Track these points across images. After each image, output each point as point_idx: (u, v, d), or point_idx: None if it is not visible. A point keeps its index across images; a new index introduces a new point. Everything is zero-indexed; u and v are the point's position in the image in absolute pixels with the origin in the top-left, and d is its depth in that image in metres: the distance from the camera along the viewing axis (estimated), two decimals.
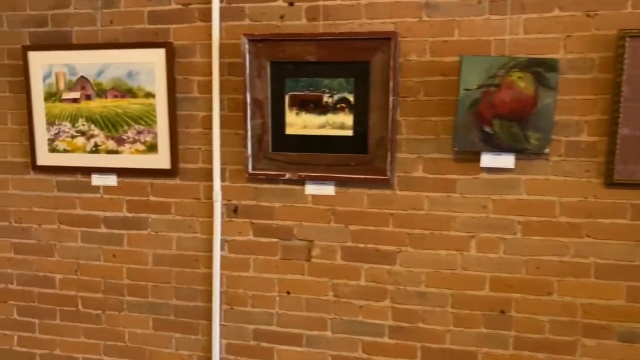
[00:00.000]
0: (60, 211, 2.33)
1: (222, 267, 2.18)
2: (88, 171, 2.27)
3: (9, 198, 2.38)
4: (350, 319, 2.09)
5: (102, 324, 2.34)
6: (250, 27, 2.06)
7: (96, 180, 2.27)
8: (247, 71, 2.01)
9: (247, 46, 2.00)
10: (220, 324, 2.20)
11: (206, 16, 2.09)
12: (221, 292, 2.19)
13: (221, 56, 2.09)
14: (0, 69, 2.32)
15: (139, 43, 2.14)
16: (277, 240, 2.13)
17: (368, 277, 2.06)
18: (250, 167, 2.08)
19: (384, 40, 1.89)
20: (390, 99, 1.91)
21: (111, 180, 2.26)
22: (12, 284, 2.41)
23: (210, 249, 2.19)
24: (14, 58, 2.29)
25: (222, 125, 2.12)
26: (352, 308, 2.09)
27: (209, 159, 2.15)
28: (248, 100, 2.04)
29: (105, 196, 2.28)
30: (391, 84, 1.90)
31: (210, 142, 2.14)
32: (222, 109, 2.12)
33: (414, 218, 2.00)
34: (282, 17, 2.03)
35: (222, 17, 2.08)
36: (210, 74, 2.11)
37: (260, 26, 2.05)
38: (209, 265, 2.19)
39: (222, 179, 2.15)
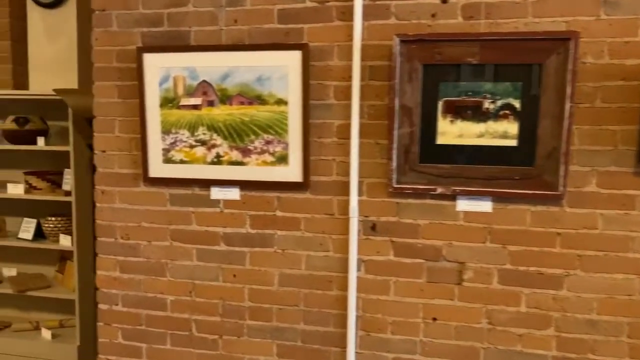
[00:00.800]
0: (173, 227, 2.17)
1: (359, 289, 2.02)
2: (207, 184, 2.12)
3: (115, 212, 2.22)
4: (507, 349, 1.92)
5: (219, 350, 2.17)
6: (397, 26, 1.89)
7: (216, 193, 2.11)
8: (397, 75, 1.85)
9: (398, 47, 1.83)
10: (355, 352, 2.03)
11: (346, 15, 1.93)
12: (357, 317, 2.03)
13: (362, 59, 1.93)
14: (107, 72, 2.17)
15: (271, 45, 1.98)
16: (422, 261, 1.96)
17: (530, 303, 1.89)
18: (394, 180, 1.91)
19: (561, 41, 1.72)
20: (567, 105, 1.74)
21: (233, 193, 2.10)
22: (117, 305, 2.26)
23: (344, 270, 2.02)
24: (124, 60, 2.14)
25: (361, 135, 1.96)
26: (510, 337, 1.92)
27: (344, 171, 1.99)
28: (396, 107, 1.87)
29: (225, 211, 2.12)
30: (568, 90, 1.73)
31: (345, 153, 1.98)
32: (361, 116, 1.95)
33: (585, 238, 1.82)
34: (433, 15, 1.87)
35: (365, 16, 1.92)
36: (348, 78, 1.95)
37: (409, 25, 1.89)
38: (343, 287, 2.03)
39: (360, 193, 1.98)
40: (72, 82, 3.30)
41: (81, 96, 2.69)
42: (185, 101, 2.08)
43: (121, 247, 2.23)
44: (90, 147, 2.87)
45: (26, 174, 3.17)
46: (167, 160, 2.13)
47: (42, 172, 3.17)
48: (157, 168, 2.14)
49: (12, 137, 3.07)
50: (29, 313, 3.52)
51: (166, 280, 2.20)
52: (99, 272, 2.27)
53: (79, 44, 3.29)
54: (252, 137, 2.04)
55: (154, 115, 2.11)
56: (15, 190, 3.09)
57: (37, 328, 3.26)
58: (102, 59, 2.18)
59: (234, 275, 2.14)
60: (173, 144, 2.11)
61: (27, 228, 3.17)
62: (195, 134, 2.09)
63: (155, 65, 2.08)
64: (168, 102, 2.09)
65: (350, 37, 1.94)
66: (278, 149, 2.03)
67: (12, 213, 3.41)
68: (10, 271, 3.43)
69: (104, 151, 2.22)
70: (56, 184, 3.20)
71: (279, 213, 2.08)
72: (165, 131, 2.11)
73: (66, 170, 3.15)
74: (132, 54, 2.13)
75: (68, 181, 3.09)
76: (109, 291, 2.27)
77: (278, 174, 2.04)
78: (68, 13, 3.29)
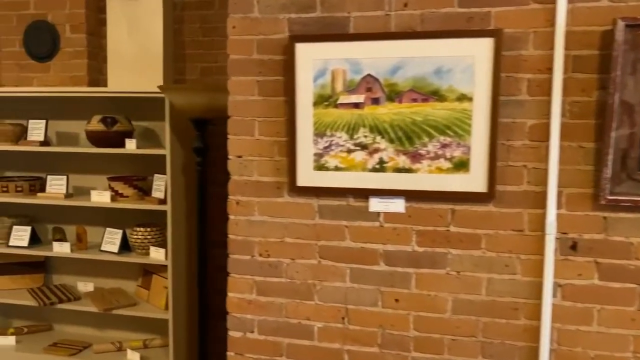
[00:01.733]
0: (322, 243, 1.93)
1: (554, 318, 1.76)
2: (365, 194, 1.87)
3: (253, 226, 1.98)
4: None
5: None
6: (611, 9, 1.63)
7: (376, 205, 1.86)
8: (619, 66, 1.59)
9: (622, 33, 1.58)
10: None
11: None
12: (551, 351, 1.77)
13: (565, 47, 1.67)
14: (246, 65, 1.93)
15: (455, 31, 1.73)
16: (634, 285, 1.70)
17: None
18: (607, 190, 1.66)
19: None
20: None
21: (397, 205, 1.85)
22: (252, 332, 2.02)
23: (535, 296, 1.77)
24: (267, 52, 1.90)
25: (561, 136, 1.71)
26: None
27: (538, 179, 1.74)
28: (615, 104, 1.61)
29: (386, 225, 1.87)
30: None
31: (539, 158, 1.73)
32: (562, 115, 1.70)
33: None
34: None
35: None
36: (546, 70, 1.70)
37: (625, 8, 1.63)
38: (534, 316, 1.77)
39: (558, 206, 1.73)
40: (156, 79, 3.07)
41: (188, 93, 2.45)
42: (344, 99, 1.83)
43: (259, 265, 1.99)
44: (197, 150, 2.65)
45: (110, 179, 2.94)
46: (319, 167, 1.88)
47: (129, 178, 2.94)
48: (307, 176, 1.90)
49: (98, 139, 2.83)
50: (104, 331, 3.29)
51: (313, 304, 1.95)
52: (230, 295, 2.03)
53: (165, 37, 3.06)
54: (425, 139, 1.79)
55: (305, 115, 1.86)
56: (101, 197, 2.85)
57: (120, 349, 3.03)
58: (239, 50, 1.94)
59: (397, 300, 1.89)
60: (327, 148, 1.87)
61: (111, 239, 2.93)
62: (355, 136, 1.84)
63: (310, 57, 1.83)
64: (324, 99, 1.84)
65: (550, 23, 1.68)
66: (457, 153, 1.77)
67: (90, 222, 3.19)
68: (86, 286, 3.21)
69: (240, 156, 1.97)
70: (142, 190, 2.97)
71: (453, 228, 1.82)
72: (319, 133, 1.86)
73: (156, 175, 2.92)
74: (277, 44, 1.89)
75: (158, 187, 2.86)
76: (242, 316, 2.02)
77: (455, 182, 1.79)
78: (151, 4, 3.06)
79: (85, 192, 3.16)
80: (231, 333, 2.05)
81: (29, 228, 3.05)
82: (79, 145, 3.13)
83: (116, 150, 2.81)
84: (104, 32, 3.33)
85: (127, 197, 2.90)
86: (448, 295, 1.85)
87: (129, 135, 2.88)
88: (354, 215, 1.90)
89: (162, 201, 2.79)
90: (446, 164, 1.79)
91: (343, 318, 1.94)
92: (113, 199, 2.88)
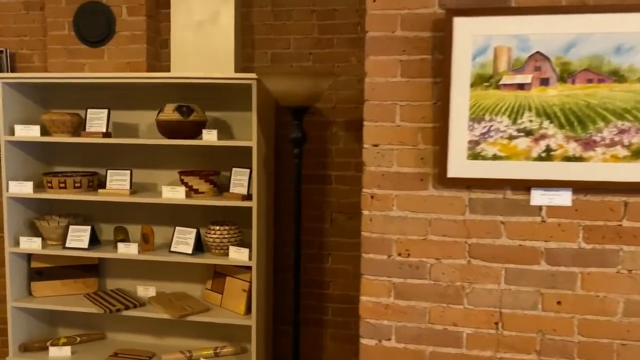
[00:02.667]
0: (473, 241, 1.78)
1: None
2: (526, 185, 1.72)
3: (390, 222, 1.82)
4: None
5: None
6: None
7: (538, 198, 1.72)
8: None
9: None
10: None
11: None
12: None
13: None
14: (387, 43, 1.77)
15: (635, 5, 1.59)
16: None
17: None
18: None
19: None
20: None
21: (563, 198, 1.71)
22: (388, 339, 1.86)
23: None
24: (413, 28, 1.74)
25: None
26: None
27: None
28: None
29: (549, 220, 1.73)
30: None
31: None
32: None
33: None
34: None
35: None
36: None
37: None
38: None
39: None
40: (223, 66, 2.89)
41: (291, 79, 2.27)
42: (508, 79, 1.68)
43: (398, 266, 1.83)
44: (295, 141, 2.46)
45: (183, 174, 2.74)
46: (474, 156, 1.73)
47: (204, 172, 2.75)
48: (459, 166, 1.74)
49: (172, 129, 2.62)
50: (162, 339, 3.09)
51: (462, 309, 1.80)
52: (364, 298, 1.86)
53: (235, 21, 2.88)
54: (600, 124, 1.65)
55: (460, 98, 1.71)
56: (174, 194, 2.66)
57: (190, 358, 2.84)
58: (380, 27, 1.77)
59: (559, 303, 1.74)
60: (485, 134, 1.71)
61: (183, 239, 2.74)
62: (519, 121, 1.69)
63: (470, 32, 1.67)
64: (483, 80, 1.69)
65: None
66: (636, 139, 1.64)
67: (151, 221, 2.98)
68: (147, 290, 3.00)
69: (376, 145, 1.81)
70: (217, 185, 2.78)
71: (626, 223, 1.69)
72: (476, 118, 1.71)
73: (235, 169, 2.73)
74: (425, 20, 1.73)
75: (239, 182, 2.67)
76: (377, 322, 1.86)
77: (632, 172, 1.65)
78: None
79: (146, 187, 2.97)
80: (364, 341, 1.88)
81: (88, 228, 2.83)
82: (138, 137, 2.94)
83: (194, 142, 2.60)
84: (161, 16, 3.13)
85: (202, 193, 2.70)
86: (619, 297, 1.71)
87: (204, 125, 2.69)
88: (511, 209, 1.75)
89: (246, 197, 2.61)
90: (623, 152, 1.65)
91: (496, 323, 1.79)
92: (187, 195, 2.69)
